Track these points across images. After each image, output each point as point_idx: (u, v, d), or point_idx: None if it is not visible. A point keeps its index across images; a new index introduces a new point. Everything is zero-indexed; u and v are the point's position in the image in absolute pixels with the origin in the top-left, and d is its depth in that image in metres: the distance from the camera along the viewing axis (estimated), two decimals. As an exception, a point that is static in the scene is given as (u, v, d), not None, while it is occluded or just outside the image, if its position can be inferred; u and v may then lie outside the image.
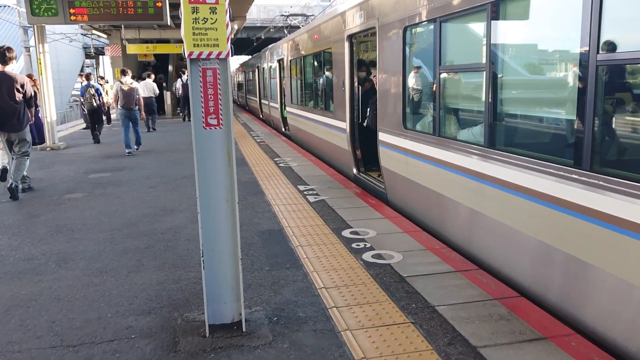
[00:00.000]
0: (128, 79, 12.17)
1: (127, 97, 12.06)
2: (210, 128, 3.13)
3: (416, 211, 5.93)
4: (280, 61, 15.64)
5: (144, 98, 14.76)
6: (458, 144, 4.74)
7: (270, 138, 14.31)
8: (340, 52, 8.52)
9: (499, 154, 4.09)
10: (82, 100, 15.20)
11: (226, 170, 3.23)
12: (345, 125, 8.42)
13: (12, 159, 7.51)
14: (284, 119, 15.48)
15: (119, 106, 12.15)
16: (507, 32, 4.13)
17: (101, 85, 17.22)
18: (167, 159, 11.17)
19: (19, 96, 7.26)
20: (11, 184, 7.37)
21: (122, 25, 19.00)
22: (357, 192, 7.31)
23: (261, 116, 22.00)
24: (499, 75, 4.20)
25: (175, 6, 18.79)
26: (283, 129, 15.97)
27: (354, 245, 4.95)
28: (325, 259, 4.59)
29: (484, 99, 4.28)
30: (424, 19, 5.30)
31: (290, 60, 13.76)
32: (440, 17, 4.90)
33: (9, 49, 7.45)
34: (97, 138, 14.25)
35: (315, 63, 11.07)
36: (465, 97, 5.14)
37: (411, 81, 5.98)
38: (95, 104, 14.20)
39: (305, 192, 7.30)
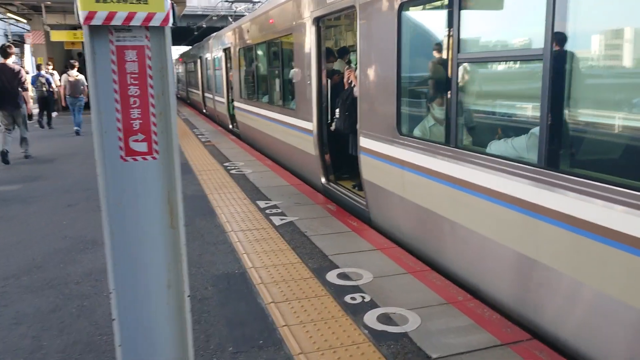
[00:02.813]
0: (74, 72, 14.17)
1: (74, 87, 14.16)
2: (135, 159, 1.69)
3: (415, 240, 4.66)
4: (226, 50, 14.00)
5: None
6: (493, 160, 3.47)
7: (216, 137, 12.71)
8: (304, 39, 7.11)
9: (570, 180, 2.85)
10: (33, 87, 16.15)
11: (166, 234, 1.80)
12: (312, 126, 7.04)
13: (12, 129, 9.63)
14: (232, 115, 13.88)
15: (67, 94, 14.23)
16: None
17: (52, 75, 16.70)
18: (93, 163, 9.37)
19: (17, 82, 9.33)
20: (25, 151, 10.00)
21: (43, 7, 16.66)
22: (332, 209, 5.96)
23: (204, 110, 20.21)
24: (571, 68, 2.95)
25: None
26: (230, 126, 14.37)
27: (347, 298, 3.61)
28: (314, 327, 3.22)
29: (540, 99, 3.01)
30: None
31: (239, 50, 12.18)
32: None
33: (10, 46, 9.71)
34: (44, 124, 15.61)
35: (272, 52, 9.59)
36: (501, 95, 3.88)
37: (410, 74, 4.69)
38: (45, 93, 15.58)
39: (267, 211, 5.89)
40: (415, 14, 4.57)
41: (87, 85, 13.52)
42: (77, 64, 14.47)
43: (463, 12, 3.68)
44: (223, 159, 9.48)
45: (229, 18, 23.30)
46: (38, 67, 16.30)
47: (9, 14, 19.04)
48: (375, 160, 5.20)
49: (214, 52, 16.50)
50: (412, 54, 4.62)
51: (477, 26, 3.77)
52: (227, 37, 13.75)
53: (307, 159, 7.55)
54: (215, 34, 16.78)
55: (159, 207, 1.77)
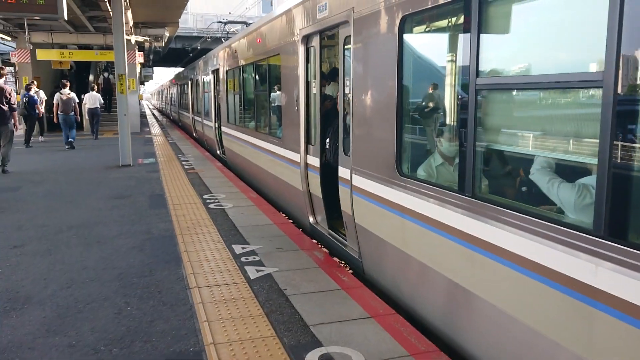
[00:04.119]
0: (66, 90, 15.47)
1: (65, 105, 15.27)
2: None
3: (420, 306, 3.78)
4: (215, 72, 13.26)
5: (90, 108, 17.77)
6: (527, 220, 2.61)
7: (202, 164, 11.86)
8: (292, 60, 6.33)
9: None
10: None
11: None
12: (299, 157, 6.20)
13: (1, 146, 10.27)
14: (220, 141, 13.07)
15: (59, 111, 15.13)
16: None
17: (36, 92, 16.49)
18: (61, 192, 8.49)
19: (5, 102, 10.07)
20: (3, 166, 10.34)
21: (26, 24, 15.96)
22: (319, 257, 5.08)
23: (194, 134, 19.42)
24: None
25: (91, 4, 16.12)
26: (218, 152, 13.54)
27: (331, 398, 2.72)
28: None
29: (599, 140, 2.17)
30: None
31: (226, 71, 11.43)
32: None
33: (2, 67, 10.56)
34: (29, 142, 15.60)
35: (258, 74, 8.82)
36: (535, 131, 3.03)
37: (414, 101, 3.87)
38: (25, 111, 15.47)
39: (243, 258, 5.00)
40: (420, 29, 3.78)
41: (77, 103, 15.75)
42: (68, 83, 16.03)
43: (484, 25, 2.87)
44: (204, 189, 8.60)
45: (223, 40, 22.72)
46: (27, 88, 15.99)
47: (-8, 32, 18.31)
48: (370, 203, 4.34)
49: (203, 73, 15.80)
50: (416, 78, 3.82)
51: (503, 44, 2.96)
52: (216, 58, 13.03)
53: (293, 194, 6.69)
54: (205, 55, 16.11)
55: None
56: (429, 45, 3.85)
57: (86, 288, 4.30)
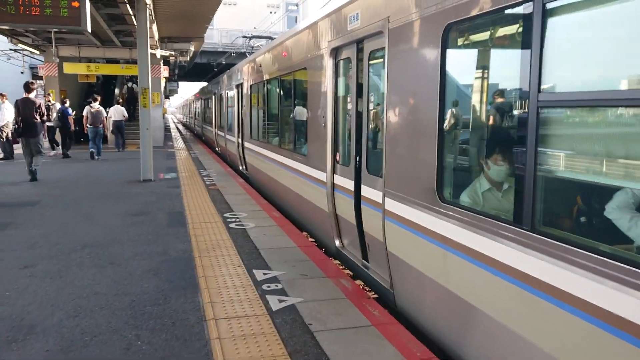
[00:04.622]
0: (96, 105, 16.15)
1: (95, 118, 15.92)
2: None
3: (467, 354, 3.34)
4: (239, 87, 13.05)
5: (115, 121, 18.36)
6: (615, 267, 2.18)
7: (224, 180, 11.58)
8: (320, 73, 6.00)
9: None
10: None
11: None
12: (326, 176, 5.84)
13: (32, 155, 10.74)
14: (243, 156, 12.80)
15: (88, 124, 15.87)
16: None
17: (52, 105, 17.23)
18: (79, 207, 8.26)
19: (37, 114, 10.63)
20: (33, 169, 10.81)
21: (53, 38, 16.05)
22: (346, 285, 4.67)
23: (217, 149, 19.25)
24: None
25: (117, 19, 16.15)
26: (240, 167, 13.27)
27: None
28: None
29: None
30: (498, 4, 2.83)
31: (250, 86, 11.19)
32: None
33: (33, 82, 11.13)
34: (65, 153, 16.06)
35: (283, 88, 8.52)
36: (613, 158, 2.60)
37: (458, 118, 3.48)
38: (60, 123, 16.15)
39: (265, 286, 4.63)
40: (467, 37, 3.39)
41: (105, 117, 16.95)
42: (99, 97, 16.88)
43: (549, 32, 2.48)
44: (225, 207, 8.29)
45: (247, 55, 22.66)
46: (63, 102, 16.89)
47: (20, 45, 18.47)
48: (406, 231, 3.94)
49: (227, 88, 15.64)
50: (462, 92, 3.42)
51: (574, 53, 2.56)
52: (240, 72, 12.83)
53: (319, 215, 6.32)
54: (230, 69, 15.97)
55: None
56: (475, 56, 3.46)
57: (95, 317, 3.97)
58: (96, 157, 15.63)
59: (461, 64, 3.47)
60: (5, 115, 14.25)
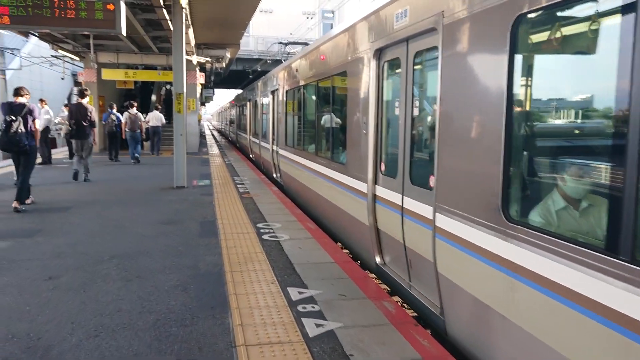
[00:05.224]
0: (134, 110, 16.88)
1: (133, 123, 16.78)
2: None
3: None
4: (274, 93, 12.77)
5: (152, 127, 19.05)
6: None
7: (257, 187, 11.27)
8: (361, 77, 5.60)
9: None
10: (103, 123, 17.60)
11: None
12: (367, 187, 5.42)
13: (82, 157, 11.63)
14: (277, 164, 12.49)
15: (127, 129, 16.68)
16: None
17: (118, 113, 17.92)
18: (109, 214, 8.06)
19: (87, 119, 11.43)
20: (85, 175, 11.72)
21: (92, 45, 16.17)
22: (389, 309, 4.22)
23: (251, 156, 19.05)
24: None
25: (154, 24, 16.16)
26: (274, 175, 12.97)
27: None
28: None
29: None
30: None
31: (286, 92, 10.88)
32: None
33: (86, 89, 12.26)
34: (113, 156, 16.95)
35: (320, 94, 8.15)
36: None
37: (528, 124, 3.02)
38: (114, 129, 16.80)
39: (300, 307, 4.22)
40: (542, 32, 2.92)
41: (143, 122, 17.98)
42: (136, 103, 17.46)
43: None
44: (258, 217, 7.95)
45: (282, 62, 22.48)
46: (110, 106, 17.41)
47: (60, 51, 18.73)
48: (462, 252, 3.47)
49: (261, 94, 15.41)
50: (535, 94, 2.96)
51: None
52: (275, 78, 12.55)
53: (358, 229, 5.89)
54: (265, 75, 15.75)
55: None
56: (557, 49, 2.98)
57: (116, 338, 3.64)
58: (133, 160, 16.33)
59: (534, 61, 3.00)
60: (43, 121, 14.36)
